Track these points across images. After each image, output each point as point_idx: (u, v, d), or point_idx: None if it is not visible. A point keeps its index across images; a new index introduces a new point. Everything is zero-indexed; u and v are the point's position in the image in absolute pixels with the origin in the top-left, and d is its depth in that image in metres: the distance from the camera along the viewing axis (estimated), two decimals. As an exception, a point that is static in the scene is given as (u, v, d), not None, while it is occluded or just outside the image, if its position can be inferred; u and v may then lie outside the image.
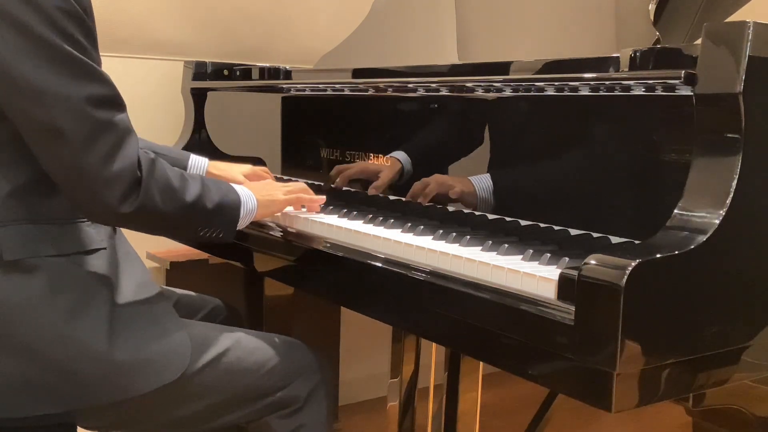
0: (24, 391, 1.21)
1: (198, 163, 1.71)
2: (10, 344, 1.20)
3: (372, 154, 1.57)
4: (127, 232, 1.40)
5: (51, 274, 1.22)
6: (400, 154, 1.51)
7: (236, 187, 1.40)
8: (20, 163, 1.21)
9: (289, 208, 1.55)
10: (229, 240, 1.37)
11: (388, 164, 1.53)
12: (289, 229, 1.53)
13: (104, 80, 1.19)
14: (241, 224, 1.39)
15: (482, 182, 1.35)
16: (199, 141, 2.21)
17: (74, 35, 1.15)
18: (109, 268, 1.29)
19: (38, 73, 1.13)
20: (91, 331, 1.22)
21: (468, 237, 1.27)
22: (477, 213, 1.36)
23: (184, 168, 1.66)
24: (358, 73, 1.71)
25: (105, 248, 1.30)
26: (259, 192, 1.45)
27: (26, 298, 1.20)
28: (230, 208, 1.35)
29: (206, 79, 2.22)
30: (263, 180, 1.65)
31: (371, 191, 1.57)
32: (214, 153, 2.17)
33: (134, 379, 1.25)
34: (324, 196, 1.58)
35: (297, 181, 1.69)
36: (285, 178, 1.80)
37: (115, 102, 1.20)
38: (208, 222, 1.32)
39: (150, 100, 2.30)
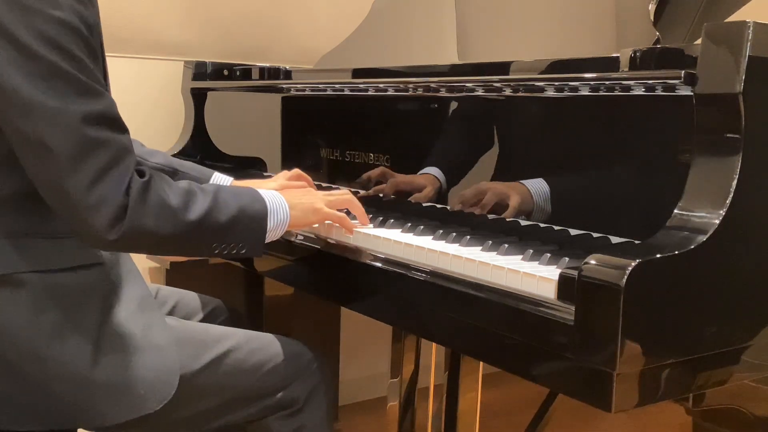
0: (5, 407, 1.20)
1: (220, 181, 1.62)
2: None
3: (372, 154, 1.57)
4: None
5: (38, 291, 1.18)
6: (434, 170, 1.46)
7: (266, 194, 1.30)
8: (11, 175, 1.18)
9: None
10: (257, 255, 1.28)
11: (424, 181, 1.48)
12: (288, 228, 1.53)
13: (104, 99, 1.14)
14: (272, 236, 1.30)
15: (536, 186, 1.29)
16: (199, 141, 2.21)
17: (72, 51, 1.10)
18: (105, 284, 1.25)
19: (30, 87, 1.08)
20: (73, 353, 1.19)
21: (468, 237, 1.27)
22: (477, 213, 1.36)
23: None
24: (358, 73, 1.71)
25: (102, 263, 1.25)
26: (296, 198, 1.35)
27: (10, 315, 1.18)
28: (252, 219, 1.26)
29: (206, 79, 2.22)
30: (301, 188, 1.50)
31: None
32: (214, 153, 2.17)
33: (113, 406, 1.22)
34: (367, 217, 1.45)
35: (339, 188, 1.59)
36: (324, 185, 1.72)
37: (113, 121, 1.14)
38: (222, 237, 1.23)
39: (150, 100, 2.30)
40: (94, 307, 1.23)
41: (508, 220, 1.31)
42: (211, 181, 1.60)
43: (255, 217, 1.27)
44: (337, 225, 1.41)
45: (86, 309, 1.22)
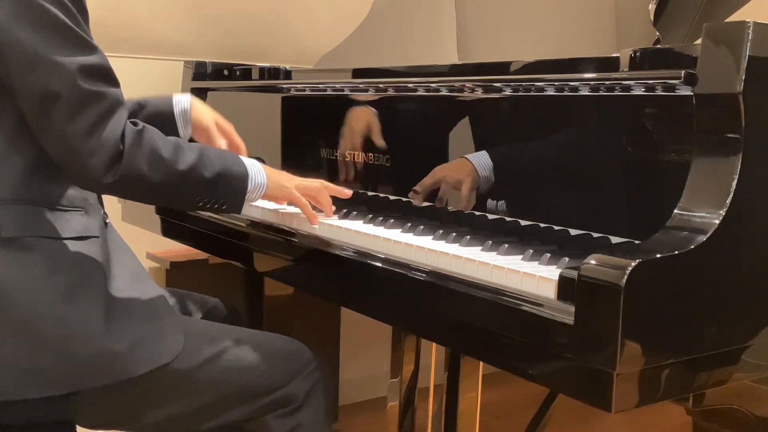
0: (18, 372, 1.21)
1: (180, 101, 1.62)
2: (7, 322, 1.20)
3: (372, 155, 1.57)
4: (120, 228, 1.42)
5: (48, 255, 1.23)
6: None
7: (246, 160, 1.39)
8: (20, 147, 1.24)
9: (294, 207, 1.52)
10: (236, 212, 1.39)
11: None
12: (289, 228, 1.53)
13: (97, 52, 1.21)
14: (250, 198, 1.38)
15: (481, 159, 1.35)
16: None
17: (69, 6, 1.18)
18: (103, 255, 1.30)
19: (33, 39, 1.16)
20: (87, 313, 1.23)
21: (468, 237, 1.27)
22: (477, 213, 1.36)
23: (171, 112, 1.60)
24: (358, 73, 1.71)
25: (97, 236, 1.30)
26: (271, 171, 1.43)
27: (24, 276, 1.21)
28: (234, 178, 1.34)
29: (206, 79, 2.22)
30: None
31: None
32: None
33: (129, 360, 1.25)
34: (347, 191, 1.53)
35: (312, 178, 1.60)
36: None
37: (106, 75, 1.22)
38: (206, 191, 1.31)
39: (150, 100, 2.30)
40: (97, 274, 1.28)
41: (508, 220, 1.31)
42: (173, 102, 1.61)
43: (237, 177, 1.35)
44: (340, 227, 1.42)
45: (92, 275, 1.27)
